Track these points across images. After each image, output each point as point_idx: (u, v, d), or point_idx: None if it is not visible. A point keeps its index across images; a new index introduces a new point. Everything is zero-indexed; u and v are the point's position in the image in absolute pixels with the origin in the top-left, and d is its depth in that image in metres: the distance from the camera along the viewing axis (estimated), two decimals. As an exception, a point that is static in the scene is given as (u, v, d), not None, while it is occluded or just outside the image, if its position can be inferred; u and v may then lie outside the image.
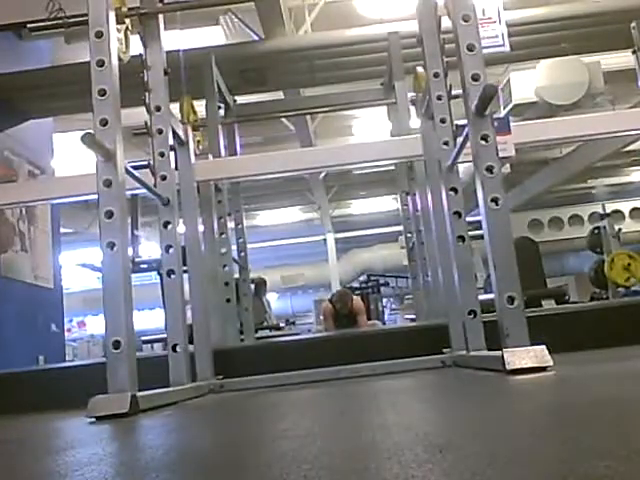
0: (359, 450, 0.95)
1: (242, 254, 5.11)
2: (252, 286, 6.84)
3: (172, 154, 2.94)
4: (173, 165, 2.94)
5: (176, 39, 4.44)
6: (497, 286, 2.11)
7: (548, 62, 7.57)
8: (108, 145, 2.22)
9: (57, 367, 4.34)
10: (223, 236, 4.45)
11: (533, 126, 3.98)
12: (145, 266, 5.46)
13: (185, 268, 2.95)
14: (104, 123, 2.27)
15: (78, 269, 11.20)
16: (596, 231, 9.83)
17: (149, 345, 7.75)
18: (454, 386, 2.22)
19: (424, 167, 3.56)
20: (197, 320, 3.03)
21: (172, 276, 2.78)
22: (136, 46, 2.88)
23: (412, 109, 4.75)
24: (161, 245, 2.82)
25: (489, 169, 2.15)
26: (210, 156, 4.36)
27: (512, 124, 2.87)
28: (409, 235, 5.28)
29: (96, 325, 14.62)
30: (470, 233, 2.72)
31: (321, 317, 7.82)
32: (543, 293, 7.58)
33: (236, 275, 4.84)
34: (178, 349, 2.71)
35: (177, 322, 2.77)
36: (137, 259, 5.39)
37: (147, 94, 2.89)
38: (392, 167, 6.01)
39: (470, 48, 2.27)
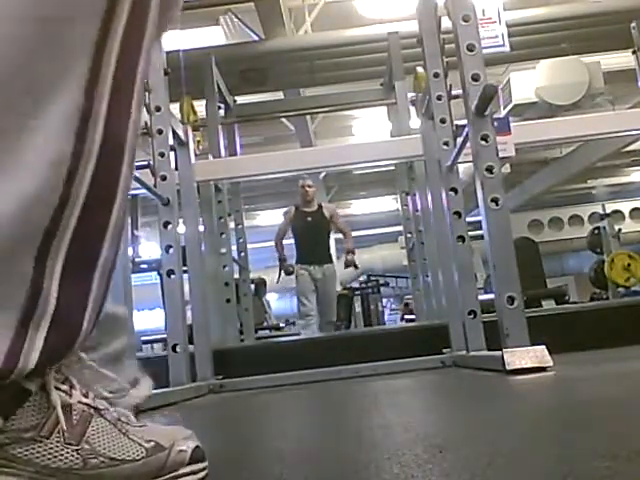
0: (359, 450, 0.95)
1: (242, 254, 5.11)
2: (252, 286, 6.74)
3: (172, 154, 2.94)
4: (173, 165, 2.94)
5: (176, 39, 4.43)
6: (497, 286, 2.11)
7: (548, 62, 7.56)
8: (108, 145, 2.22)
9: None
10: (223, 236, 4.45)
11: (533, 126, 3.98)
12: (145, 266, 5.46)
13: (185, 268, 2.95)
14: (104, 123, 2.27)
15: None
16: (596, 231, 9.82)
17: (149, 345, 7.76)
18: (454, 386, 2.22)
19: (424, 167, 3.56)
20: (197, 320, 3.03)
21: (172, 276, 2.78)
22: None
23: (412, 109, 4.75)
24: (161, 245, 2.82)
25: (489, 169, 2.15)
26: (210, 156, 4.36)
27: (512, 124, 2.87)
28: (409, 235, 5.28)
29: (96, 325, 14.60)
30: (470, 233, 2.73)
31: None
32: (543, 293, 7.58)
33: (236, 275, 4.84)
34: (178, 349, 2.71)
35: (177, 322, 2.77)
36: (137, 259, 5.39)
37: (147, 94, 2.89)
38: (392, 167, 6.01)
39: (470, 48, 2.27)
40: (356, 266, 6.42)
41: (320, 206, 6.28)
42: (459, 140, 2.55)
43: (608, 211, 10.18)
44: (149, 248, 6.48)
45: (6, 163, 0.50)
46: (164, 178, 2.86)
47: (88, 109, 0.53)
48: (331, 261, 6.27)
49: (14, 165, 0.50)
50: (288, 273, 6.17)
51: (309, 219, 6.14)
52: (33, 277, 0.53)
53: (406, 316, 12.72)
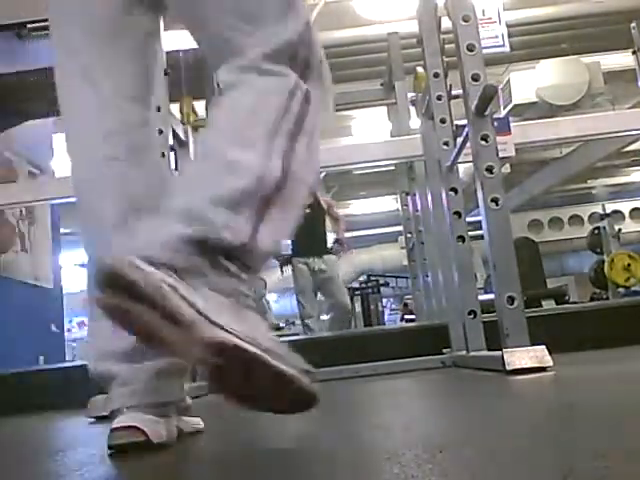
0: (359, 450, 0.95)
1: (242, 254, 5.10)
2: None
3: (172, 154, 2.94)
4: (173, 165, 2.94)
5: (176, 39, 4.42)
6: (497, 286, 2.11)
7: (548, 62, 7.57)
8: (108, 145, 2.22)
9: (57, 367, 4.34)
10: (223, 236, 4.44)
11: (533, 126, 3.98)
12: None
13: (185, 268, 2.95)
14: (104, 123, 2.27)
15: (78, 269, 11.18)
16: (596, 231, 9.83)
17: (149, 345, 7.74)
18: (454, 386, 2.22)
19: (424, 167, 3.56)
20: (197, 320, 3.02)
21: (172, 276, 2.78)
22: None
23: (412, 109, 4.75)
24: (161, 245, 2.81)
25: (489, 169, 2.15)
26: (210, 156, 4.36)
27: (512, 124, 2.88)
28: (409, 235, 5.27)
29: (96, 325, 14.58)
30: (470, 233, 2.72)
31: None
32: (543, 293, 7.59)
33: (236, 275, 4.83)
34: (178, 349, 2.71)
35: (177, 322, 2.77)
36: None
37: (147, 94, 2.89)
38: (392, 167, 6.00)
39: (470, 48, 2.27)
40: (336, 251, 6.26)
41: (315, 196, 6.07)
42: (459, 140, 2.55)
43: (608, 211, 10.19)
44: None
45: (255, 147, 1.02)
46: (164, 178, 2.86)
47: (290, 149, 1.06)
48: (330, 253, 6.16)
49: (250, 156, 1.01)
50: (287, 262, 6.10)
51: (305, 209, 6.03)
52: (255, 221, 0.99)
53: (406, 316, 12.72)
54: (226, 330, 0.86)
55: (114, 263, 0.89)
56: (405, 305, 13.68)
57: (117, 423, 1.08)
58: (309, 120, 1.10)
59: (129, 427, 1.07)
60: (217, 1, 1.12)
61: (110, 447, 1.08)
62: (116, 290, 0.88)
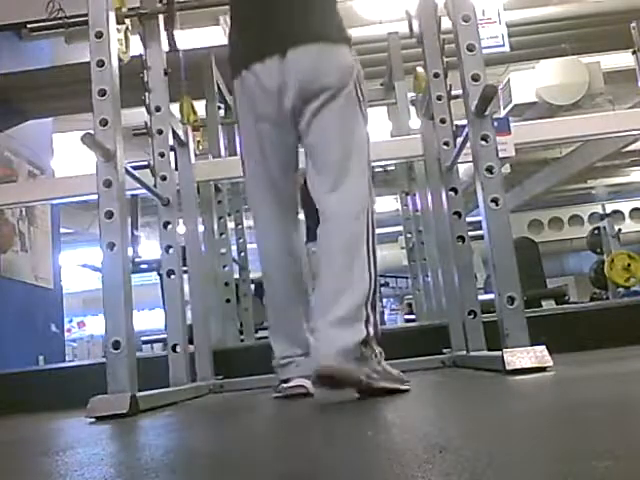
0: (359, 450, 0.95)
1: (242, 254, 5.10)
2: (252, 286, 6.69)
3: (172, 154, 2.94)
4: (173, 165, 2.94)
5: (176, 39, 4.42)
6: (497, 286, 2.11)
7: (548, 62, 7.56)
8: (108, 145, 2.22)
9: (57, 367, 4.34)
10: (223, 236, 4.45)
11: (533, 126, 3.98)
12: (145, 266, 5.46)
13: (185, 268, 2.95)
14: (104, 123, 2.27)
15: (78, 269, 11.18)
16: (596, 231, 9.82)
17: (149, 345, 7.75)
18: (454, 386, 2.22)
19: (424, 167, 3.55)
20: (197, 320, 3.03)
21: (172, 276, 2.78)
22: (136, 46, 2.88)
23: (412, 109, 4.74)
24: (161, 245, 2.81)
25: (489, 169, 2.15)
26: (210, 156, 4.36)
27: (512, 124, 2.87)
28: (409, 235, 5.27)
29: (96, 325, 14.61)
30: (470, 233, 2.72)
31: None
32: (543, 293, 7.57)
33: (236, 275, 4.83)
34: (178, 349, 2.71)
35: (177, 322, 2.77)
36: (137, 259, 5.38)
37: (147, 94, 2.89)
38: (392, 167, 6.00)
39: (470, 48, 2.27)
40: None
41: None
42: (459, 140, 2.55)
43: (608, 211, 10.18)
44: (149, 247, 6.47)
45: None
46: (164, 178, 2.86)
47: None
48: None
49: None
50: None
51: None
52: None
53: (406, 316, 12.74)
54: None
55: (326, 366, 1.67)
56: (409, 305, 13.69)
57: (291, 383, 2.02)
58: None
59: (298, 385, 1.99)
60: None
61: (285, 396, 2.01)
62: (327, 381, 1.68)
